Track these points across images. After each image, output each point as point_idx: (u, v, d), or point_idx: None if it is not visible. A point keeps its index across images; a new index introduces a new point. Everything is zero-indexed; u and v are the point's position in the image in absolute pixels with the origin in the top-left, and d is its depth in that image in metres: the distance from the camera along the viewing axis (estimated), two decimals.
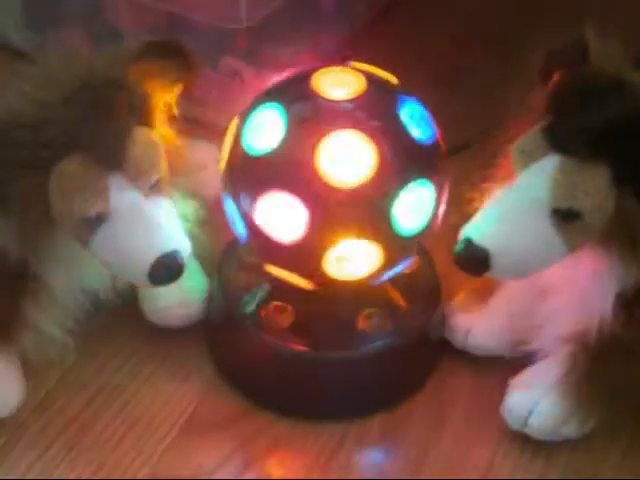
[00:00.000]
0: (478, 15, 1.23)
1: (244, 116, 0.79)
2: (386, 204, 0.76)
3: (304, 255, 0.78)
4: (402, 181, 0.76)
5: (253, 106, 0.79)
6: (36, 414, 0.83)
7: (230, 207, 0.80)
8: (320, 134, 0.75)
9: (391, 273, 0.81)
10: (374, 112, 0.77)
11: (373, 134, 0.75)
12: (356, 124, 0.76)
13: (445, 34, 1.21)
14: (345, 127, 0.75)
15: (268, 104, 0.78)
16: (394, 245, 0.78)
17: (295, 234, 0.76)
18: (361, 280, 0.80)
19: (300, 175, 0.75)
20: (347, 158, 0.75)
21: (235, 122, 0.80)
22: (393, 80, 0.80)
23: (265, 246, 0.79)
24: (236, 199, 0.78)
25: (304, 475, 0.81)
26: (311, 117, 0.77)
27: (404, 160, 0.77)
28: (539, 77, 0.75)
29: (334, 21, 1.16)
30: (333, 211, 0.76)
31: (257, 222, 0.77)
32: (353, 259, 0.78)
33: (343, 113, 0.77)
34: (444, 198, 0.80)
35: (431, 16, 1.22)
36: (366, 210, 0.76)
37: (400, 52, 1.11)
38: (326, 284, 0.80)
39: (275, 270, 0.81)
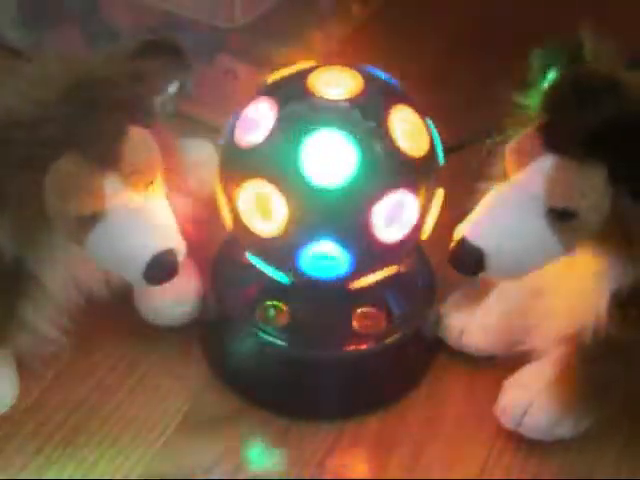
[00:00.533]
0: (474, 14, 1.23)
1: (239, 110, 0.79)
2: (364, 209, 0.76)
3: (280, 249, 0.78)
4: (382, 188, 0.76)
5: (249, 101, 0.79)
6: (30, 413, 0.83)
7: (220, 197, 0.80)
8: (307, 130, 0.75)
9: (371, 278, 0.81)
10: (365, 114, 0.77)
11: (360, 136, 0.75)
12: (344, 125, 0.75)
13: (441, 33, 1.21)
14: (332, 126, 0.75)
15: (262, 98, 0.78)
16: (371, 251, 0.78)
17: (272, 227, 0.77)
18: (337, 281, 0.80)
19: (282, 169, 0.76)
20: (330, 158, 0.75)
21: (232, 116, 0.80)
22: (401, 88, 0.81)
23: (246, 236, 0.79)
24: (224, 188, 0.79)
25: (299, 475, 0.81)
26: (301, 114, 0.77)
27: (386, 168, 0.76)
28: (535, 76, 0.75)
29: (329, 19, 1.16)
30: (311, 209, 0.76)
31: (239, 212, 0.78)
32: (329, 259, 0.78)
33: (333, 112, 0.77)
34: (432, 210, 0.80)
35: (427, 15, 1.22)
36: (344, 212, 0.76)
37: (396, 51, 1.10)
38: (302, 280, 0.80)
39: (256, 261, 0.81)
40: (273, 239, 0.77)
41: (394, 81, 0.81)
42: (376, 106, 0.78)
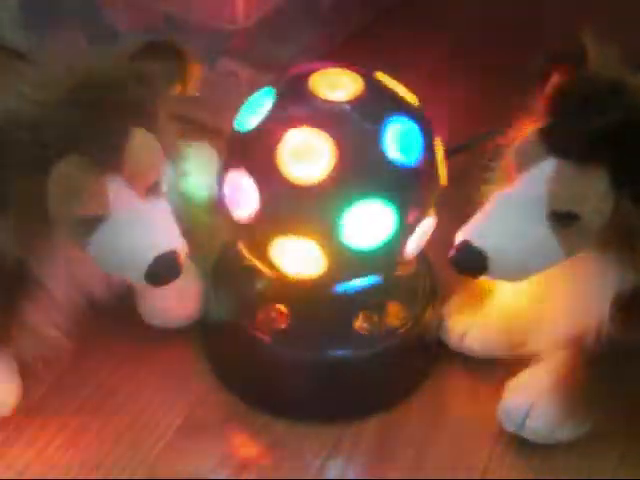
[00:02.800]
0: (476, 17, 1.23)
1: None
2: (335, 212, 0.75)
3: (254, 237, 0.79)
4: (356, 193, 0.76)
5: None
6: (33, 414, 0.83)
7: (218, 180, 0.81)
8: (292, 125, 0.75)
9: (347, 284, 0.81)
10: (357, 118, 0.77)
11: (340, 138, 0.75)
12: (328, 125, 0.75)
13: (442, 35, 1.21)
14: (316, 126, 0.75)
15: (266, 90, 0.79)
16: (341, 256, 0.77)
17: (247, 214, 0.77)
18: (309, 281, 0.80)
19: (260, 159, 0.76)
20: (309, 155, 0.75)
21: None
22: (414, 101, 0.81)
23: (228, 220, 0.80)
24: (219, 173, 0.80)
25: (300, 477, 0.81)
26: (293, 109, 0.77)
27: (364, 173, 0.76)
28: (537, 80, 0.75)
29: (331, 22, 1.16)
30: (283, 202, 0.76)
31: (223, 196, 0.79)
32: (298, 257, 0.78)
33: (326, 113, 0.77)
34: (417, 230, 0.79)
35: (429, 17, 1.22)
36: (314, 211, 0.76)
37: (398, 53, 1.11)
38: (278, 274, 0.80)
39: (241, 247, 0.82)
40: (248, 225, 0.78)
41: (395, 82, 0.81)
42: (376, 109, 0.78)
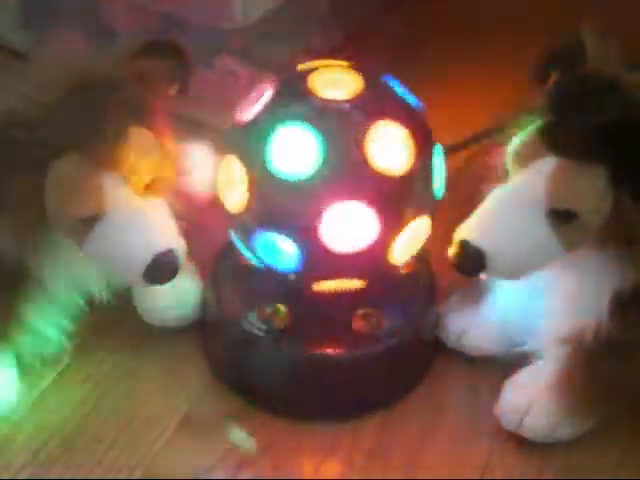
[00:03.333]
0: (475, 15, 1.23)
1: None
2: (315, 209, 0.75)
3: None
4: (338, 193, 0.75)
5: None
6: (31, 413, 0.83)
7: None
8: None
9: (330, 284, 0.81)
10: (365, 116, 0.77)
11: (329, 136, 0.75)
12: (318, 123, 0.76)
13: (441, 34, 1.21)
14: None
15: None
16: (320, 255, 0.77)
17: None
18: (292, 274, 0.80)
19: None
20: (298, 152, 0.76)
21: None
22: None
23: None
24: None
25: (299, 475, 0.81)
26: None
27: (347, 175, 0.76)
28: (536, 78, 0.75)
29: (330, 21, 1.16)
30: (268, 195, 0.77)
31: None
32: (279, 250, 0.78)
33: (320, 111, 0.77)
34: (402, 234, 0.78)
35: (427, 16, 1.22)
36: (296, 208, 0.76)
37: (397, 52, 1.11)
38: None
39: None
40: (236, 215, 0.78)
41: (395, 82, 0.81)
42: (374, 108, 0.78)
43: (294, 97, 0.79)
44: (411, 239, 0.80)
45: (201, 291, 0.88)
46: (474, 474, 0.81)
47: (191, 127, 0.89)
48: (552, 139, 0.72)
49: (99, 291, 0.83)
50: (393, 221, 0.77)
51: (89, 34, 1.09)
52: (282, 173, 0.76)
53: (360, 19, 1.21)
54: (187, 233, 0.79)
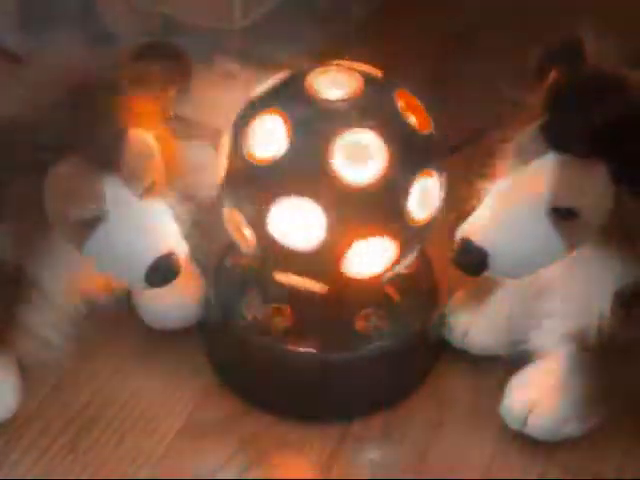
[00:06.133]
0: (474, 14, 1.23)
1: (241, 123, 0.78)
2: (400, 198, 0.76)
3: (323, 259, 0.77)
4: (412, 173, 0.76)
5: (250, 113, 0.78)
6: (33, 418, 0.83)
7: (234, 217, 0.79)
8: (328, 136, 0.75)
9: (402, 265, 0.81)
10: (375, 110, 0.77)
11: (380, 131, 0.75)
12: (361, 123, 0.75)
13: (441, 33, 1.21)
14: (352, 127, 0.75)
15: (266, 110, 0.78)
16: (408, 237, 0.78)
17: (313, 239, 0.76)
18: (373, 277, 0.80)
19: (313, 178, 0.75)
20: (358, 157, 0.75)
21: (231, 130, 0.79)
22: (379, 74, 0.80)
23: (279, 254, 0.78)
24: (243, 209, 0.78)
25: (304, 476, 0.81)
26: (314, 121, 0.77)
27: (412, 153, 0.77)
28: (536, 75, 0.75)
29: (329, 21, 1.15)
30: (350, 211, 0.76)
31: (270, 231, 0.77)
32: (369, 257, 0.78)
33: (344, 113, 0.76)
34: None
35: (427, 15, 1.22)
36: (382, 206, 0.76)
37: (396, 51, 1.10)
38: (341, 286, 0.80)
39: (287, 277, 0.81)
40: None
41: (394, 82, 0.81)
42: (381, 100, 0.78)
43: (289, 94, 0.78)
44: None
45: (202, 293, 0.88)
46: (478, 473, 0.81)
47: (191, 129, 0.89)
48: (553, 137, 0.72)
49: (99, 294, 0.83)
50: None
51: (88, 36, 1.09)
52: (249, 156, 0.76)
53: (359, 18, 1.21)
54: (188, 235, 0.79)
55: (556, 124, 0.72)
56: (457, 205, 0.79)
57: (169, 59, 0.78)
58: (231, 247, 0.86)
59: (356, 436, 0.83)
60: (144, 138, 0.75)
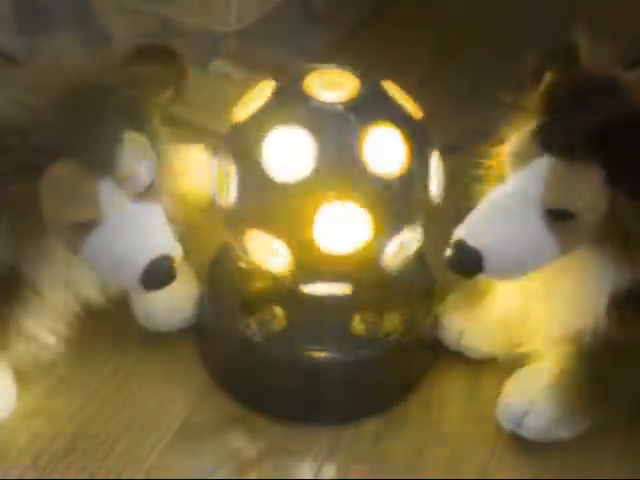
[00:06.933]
0: (465, 17, 1.23)
1: (255, 143, 0.77)
2: (307, 211, 0.75)
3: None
4: (330, 195, 0.75)
5: (263, 127, 0.77)
6: (29, 420, 0.83)
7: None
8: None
9: (319, 288, 0.81)
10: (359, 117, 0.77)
11: (323, 139, 0.75)
12: (312, 125, 0.76)
13: (436, 35, 1.21)
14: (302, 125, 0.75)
15: (283, 124, 0.77)
16: (309, 256, 0.77)
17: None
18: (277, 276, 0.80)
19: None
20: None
21: (236, 147, 0.79)
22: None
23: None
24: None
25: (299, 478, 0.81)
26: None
27: (340, 177, 0.76)
28: (530, 78, 0.75)
29: (324, 23, 1.16)
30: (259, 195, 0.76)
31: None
32: (267, 250, 0.78)
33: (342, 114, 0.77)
34: (393, 237, 0.78)
35: (418, 19, 1.23)
36: (287, 208, 0.76)
37: (387, 55, 1.11)
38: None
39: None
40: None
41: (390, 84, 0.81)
42: (370, 108, 0.78)
43: (290, 99, 0.78)
44: (403, 244, 0.79)
45: (198, 295, 0.88)
46: (474, 475, 0.81)
47: (187, 130, 0.89)
48: (547, 139, 0.72)
49: (95, 297, 0.83)
50: (386, 224, 0.77)
51: (84, 38, 1.09)
52: (275, 174, 0.76)
53: (351, 22, 1.21)
54: (183, 237, 0.79)
55: (550, 126, 0.72)
56: (453, 207, 0.79)
57: (166, 61, 0.78)
58: (226, 249, 0.86)
59: (350, 439, 0.83)
60: (140, 141, 0.75)
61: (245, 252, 0.80)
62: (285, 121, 0.76)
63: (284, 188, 0.76)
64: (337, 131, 0.76)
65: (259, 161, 0.76)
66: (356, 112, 0.77)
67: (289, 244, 0.77)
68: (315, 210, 0.75)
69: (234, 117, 0.80)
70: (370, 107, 0.78)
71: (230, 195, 0.78)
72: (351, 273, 0.79)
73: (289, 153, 0.76)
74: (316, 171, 0.75)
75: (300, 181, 0.75)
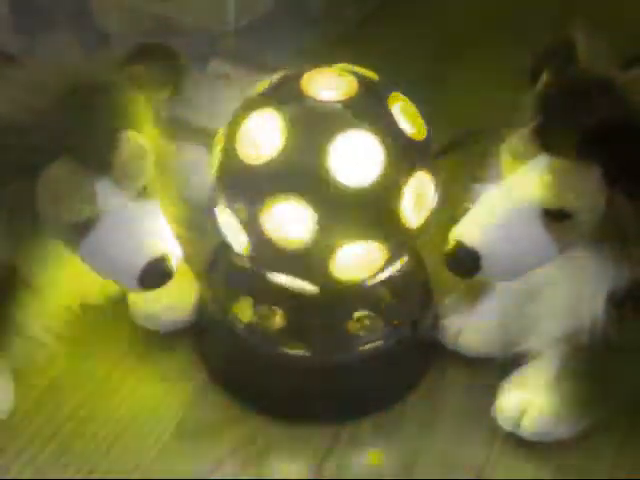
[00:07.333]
0: (465, 15, 1.23)
1: (236, 123, 0.78)
2: (393, 200, 0.75)
3: (312, 259, 0.77)
4: (406, 177, 0.76)
5: (245, 112, 0.78)
6: (26, 420, 0.83)
7: (227, 217, 0.79)
8: (323, 137, 0.75)
9: (390, 268, 0.81)
10: (370, 112, 0.77)
11: (376, 133, 0.75)
12: (358, 125, 0.75)
13: (435, 34, 1.21)
14: (349, 128, 0.75)
15: (261, 111, 0.77)
16: (399, 241, 0.78)
17: (304, 238, 0.76)
18: (364, 279, 0.80)
19: (307, 179, 0.75)
20: (353, 159, 0.75)
21: (224, 130, 0.79)
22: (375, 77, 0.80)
23: (271, 253, 0.78)
24: (236, 208, 0.78)
25: (297, 478, 0.81)
26: (310, 121, 0.76)
27: (405, 156, 0.76)
28: (528, 78, 0.75)
29: (322, 22, 1.16)
30: (342, 213, 0.75)
31: (263, 230, 0.76)
32: (359, 259, 0.77)
33: (340, 114, 0.76)
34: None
35: (419, 17, 1.23)
36: (374, 209, 0.76)
37: (388, 53, 1.11)
38: (331, 286, 0.79)
39: (280, 277, 0.80)
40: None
41: (388, 83, 0.81)
42: (369, 107, 0.77)
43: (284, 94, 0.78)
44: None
45: (196, 294, 0.88)
46: (472, 474, 0.81)
47: (185, 130, 0.89)
48: (545, 139, 0.72)
49: (93, 295, 0.83)
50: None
51: (83, 37, 1.09)
52: (242, 155, 0.76)
53: (352, 20, 1.21)
54: (181, 237, 0.79)
55: (548, 126, 0.72)
56: (450, 206, 0.79)
57: (164, 60, 0.78)
58: (224, 248, 0.85)
59: (348, 438, 0.83)
60: (137, 140, 0.75)
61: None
62: (261, 105, 0.77)
63: (246, 170, 0.76)
64: (309, 126, 0.76)
65: (233, 142, 0.77)
66: (339, 114, 0.76)
67: (246, 228, 0.77)
68: (267, 198, 0.75)
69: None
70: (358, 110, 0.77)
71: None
72: (304, 273, 0.79)
73: (258, 137, 0.76)
74: (276, 159, 0.75)
75: (261, 166, 0.75)
